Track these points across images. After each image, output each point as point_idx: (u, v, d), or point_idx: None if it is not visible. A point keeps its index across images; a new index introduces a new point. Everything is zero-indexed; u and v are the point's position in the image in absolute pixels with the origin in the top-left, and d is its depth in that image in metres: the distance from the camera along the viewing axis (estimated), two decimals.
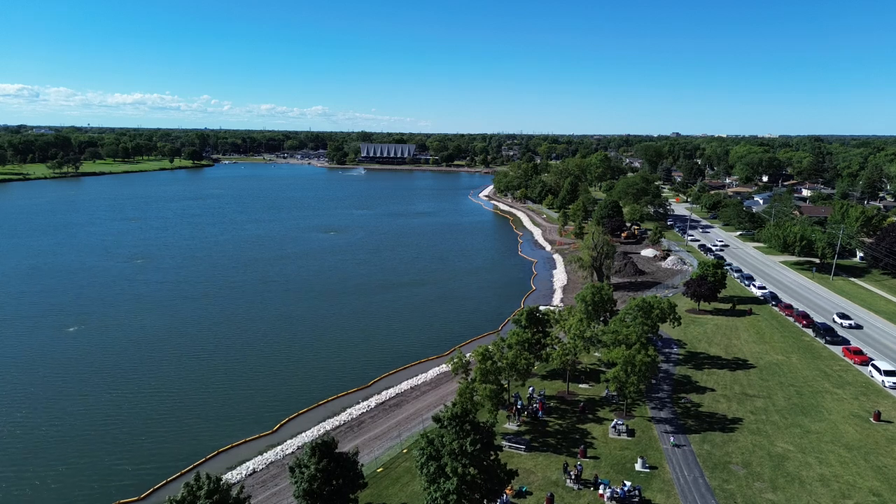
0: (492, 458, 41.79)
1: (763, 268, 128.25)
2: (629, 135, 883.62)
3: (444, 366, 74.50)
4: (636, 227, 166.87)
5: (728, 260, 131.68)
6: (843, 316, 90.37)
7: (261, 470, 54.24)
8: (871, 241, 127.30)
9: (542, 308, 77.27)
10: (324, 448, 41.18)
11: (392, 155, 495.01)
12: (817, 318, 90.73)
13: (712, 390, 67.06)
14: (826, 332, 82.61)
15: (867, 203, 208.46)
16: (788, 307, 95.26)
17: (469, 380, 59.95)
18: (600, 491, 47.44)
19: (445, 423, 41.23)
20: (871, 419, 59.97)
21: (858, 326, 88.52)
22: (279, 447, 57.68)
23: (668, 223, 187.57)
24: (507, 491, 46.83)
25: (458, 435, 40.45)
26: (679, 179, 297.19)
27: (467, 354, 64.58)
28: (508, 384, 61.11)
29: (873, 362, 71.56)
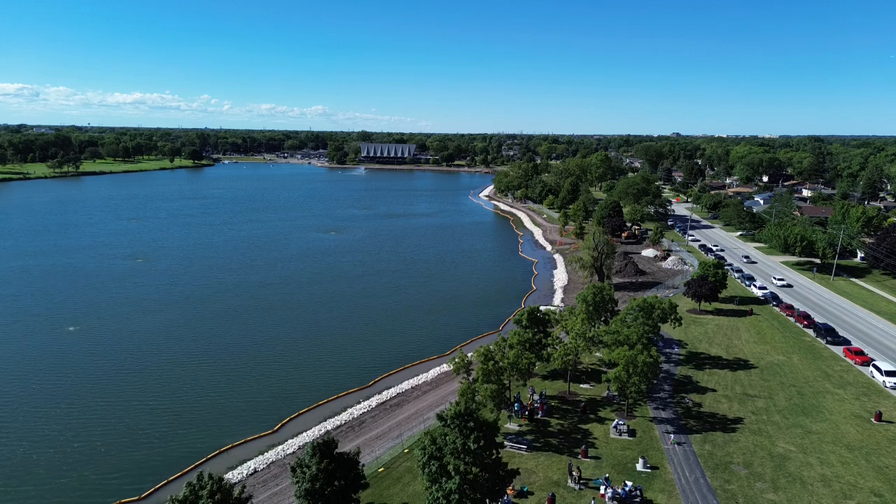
0: (493, 456, 41.77)
1: (764, 269, 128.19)
2: (629, 135, 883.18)
3: (444, 365, 74.52)
4: (637, 228, 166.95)
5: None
6: None
7: (262, 469, 54.25)
8: (871, 241, 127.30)
9: (542, 308, 77.24)
10: (325, 448, 41.15)
11: (392, 155, 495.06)
12: (818, 319, 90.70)
13: (713, 390, 67.06)
14: (827, 332, 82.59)
15: (868, 203, 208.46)
16: (789, 307, 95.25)
17: (471, 380, 59.99)
18: (601, 491, 47.42)
19: (449, 420, 41.23)
20: (873, 419, 59.97)
21: None
22: (280, 447, 57.69)
23: (669, 223, 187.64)
24: (509, 491, 46.80)
25: (461, 433, 40.44)
26: (679, 180, 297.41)
27: (469, 354, 64.59)
28: (510, 384, 61.11)
29: (874, 363, 71.56)
